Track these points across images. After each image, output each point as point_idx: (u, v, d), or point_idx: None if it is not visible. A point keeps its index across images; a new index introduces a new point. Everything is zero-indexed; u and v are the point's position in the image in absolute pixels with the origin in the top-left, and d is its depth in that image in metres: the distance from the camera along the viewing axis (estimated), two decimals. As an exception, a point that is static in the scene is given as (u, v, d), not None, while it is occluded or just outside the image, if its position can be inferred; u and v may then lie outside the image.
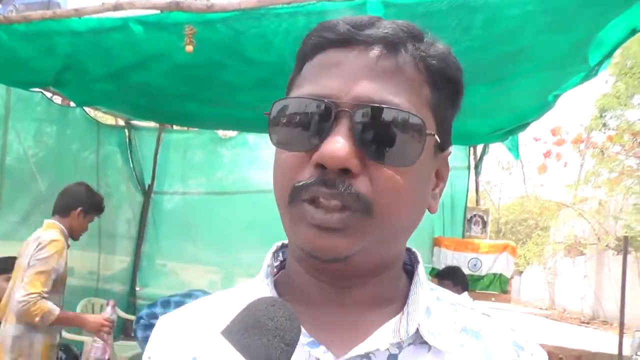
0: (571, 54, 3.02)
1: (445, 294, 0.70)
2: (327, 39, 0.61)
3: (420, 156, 0.58)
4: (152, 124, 5.97)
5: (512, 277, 5.54)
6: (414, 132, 0.57)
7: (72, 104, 4.90)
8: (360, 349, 0.58)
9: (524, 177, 18.04)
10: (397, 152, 0.57)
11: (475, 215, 5.40)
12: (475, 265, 5.01)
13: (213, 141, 5.97)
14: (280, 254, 0.73)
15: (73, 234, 3.13)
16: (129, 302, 5.79)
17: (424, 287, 0.65)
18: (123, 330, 5.53)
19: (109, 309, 3.21)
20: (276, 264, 0.72)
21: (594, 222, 12.37)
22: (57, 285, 2.94)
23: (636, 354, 5.27)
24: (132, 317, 5.46)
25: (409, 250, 0.70)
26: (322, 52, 0.61)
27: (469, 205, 5.50)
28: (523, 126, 4.42)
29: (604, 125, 11.81)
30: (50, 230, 2.97)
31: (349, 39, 0.60)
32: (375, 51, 0.59)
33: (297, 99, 0.60)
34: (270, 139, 0.61)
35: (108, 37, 2.92)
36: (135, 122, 5.89)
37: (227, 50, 2.83)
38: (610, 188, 10.90)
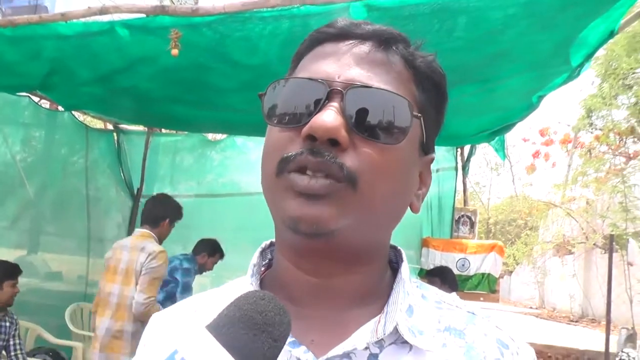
0: (553, 55, 3.07)
1: (431, 292, 0.70)
2: (325, 33, 0.65)
3: (406, 135, 0.60)
4: (140, 128, 5.96)
5: (500, 277, 5.58)
6: (401, 112, 0.60)
7: (60, 108, 4.89)
8: (339, 349, 0.59)
9: (513, 177, 18.15)
10: (385, 130, 0.59)
11: (463, 216, 5.44)
12: (463, 265, 5.05)
13: (202, 144, 5.96)
14: (269, 253, 0.73)
15: (160, 240, 3.65)
16: (119, 306, 5.77)
17: (406, 286, 0.65)
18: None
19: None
20: (264, 262, 0.72)
21: (582, 221, 12.47)
22: None
23: (622, 351, 5.33)
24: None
25: (394, 248, 0.71)
26: (319, 45, 0.65)
27: (456, 205, 5.55)
28: (509, 127, 4.47)
29: (591, 125, 11.93)
30: (152, 241, 3.52)
31: (345, 33, 0.64)
32: (369, 44, 0.63)
33: (292, 80, 0.63)
34: (264, 117, 0.63)
35: (95, 41, 2.93)
36: (123, 126, 5.87)
37: (212, 54, 2.85)
38: (598, 187, 10.99)
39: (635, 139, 10.82)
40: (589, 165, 11.03)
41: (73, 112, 5.12)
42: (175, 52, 2.51)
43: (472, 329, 0.64)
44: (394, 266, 0.71)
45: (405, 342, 0.61)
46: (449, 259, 5.01)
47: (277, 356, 0.46)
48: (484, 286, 5.10)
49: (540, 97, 3.78)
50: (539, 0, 2.38)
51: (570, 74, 3.34)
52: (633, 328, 6.00)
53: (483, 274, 5.07)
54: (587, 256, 13.32)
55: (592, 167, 10.84)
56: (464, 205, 5.82)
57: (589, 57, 3.18)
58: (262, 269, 0.72)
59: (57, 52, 3.14)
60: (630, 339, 5.50)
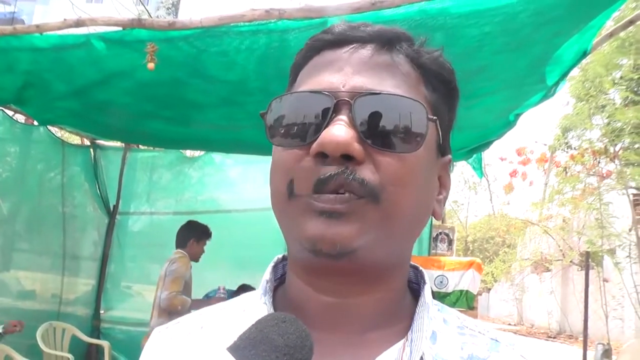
0: (529, 74, 3.12)
1: (453, 317, 0.66)
2: (322, 40, 0.62)
3: (423, 141, 0.57)
4: (118, 144, 5.89)
5: (479, 294, 5.60)
6: (416, 117, 0.57)
7: (35, 122, 4.81)
8: None
9: (491, 195, 18.36)
10: (400, 138, 0.56)
11: (441, 233, 5.46)
12: (441, 282, 5.05)
13: (179, 160, 5.90)
14: (280, 268, 0.69)
15: (193, 258, 4.26)
16: (93, 325, 5.63)
17: (430, 311, 0.62)
18: (87, 356, 5.37)
19: (220, 291, 4.44)
20: (276, 278, 0.68)
21: (559, 239, 12.64)
22: (187, 288, 4.12)
23: (599, 367, 5.37)
24: (96, 342, 5.32)
25: (415, 267, 0.68)
26: (317, 54, 0.62)
27: (434, 223, 5.56)
28: (486, 144, 4.52)
29: (567, 145, 12.16)
30: (178, 254, 4.18)
31: (344, 38, 0.61)
32: (371, 47, 0.60)
33: (294, 94, 0.59)
34: (268, 137, 0.60)
35: (70, 54, 2.90)
36: (100, 142, 5.80)
37: (189, 68, 2.82)
38: (575, 206, 11.17)
39: (609, 159, 11.03)
40: (565, 184, 11.21)
41: (49, 127, 5.05)
42: (151, 65, 2.48)
43: (496, 358, 0.61)
44: (414, 287, 0.67)
45: None
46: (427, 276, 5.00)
47: None
48: (462, 303, 5.09)
49: (517, 115, 3.84)
50: (514, 19, 2.41)
51: (546, 92, 3.40)
52: (609, 343, 6.06)
53: (461, 291, 5.07)
54: (564, 273, 13.48)
55: (567, 185, 11.02)
56: (442, 222, 5.84)
57: (563, 76, 3.24)
58: (275, 284, 0.68)
59: (32, 64, 3.09)
60: (606, 354, 5.55)
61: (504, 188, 15.29)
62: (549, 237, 13.22)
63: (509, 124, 3.94)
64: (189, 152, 6.29)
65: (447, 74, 0.63)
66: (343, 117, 0.55)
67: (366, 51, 0.59)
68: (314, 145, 0.54)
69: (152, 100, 3.43)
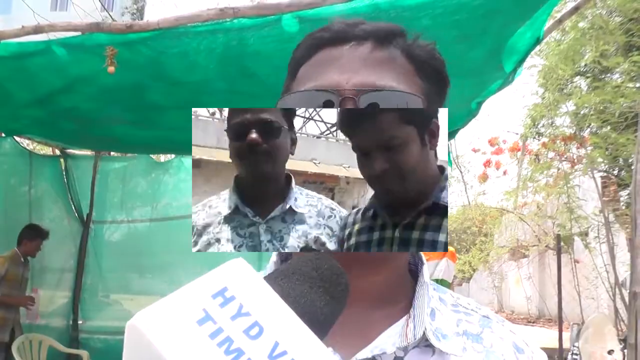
0: (486, 62, 3.19)
1: (448, 295, 0.69)
2: (322, 38, 0.64)
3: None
4: (89, 152, 5.84)
5: (459, 284, 5.69)
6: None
7: (3, 134, 4.77)
8: (367, 352, 0.58)
9: (465, 186, 18.55)
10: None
11: (414, 223, 5.53)
12: (416, 271, 5.12)
13: (151, 166, 5.88)
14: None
15: (28, 254, 4.85)
16: (72, 336, 5.58)
17: (429, 289, 0.65)
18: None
19: (33, 294, 5.09)
20: (282, 259, 0.71)
21: (534, 225, 12.82)
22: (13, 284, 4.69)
23: (573, 346, 5.51)
24: (74, 351, 5.28)
25: None
26: (318, 52, 0.64)
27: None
28: (451, 134, 4.60)
29: (538, 133, 12.32)
30: (9, 253, 4.71)
31: (342, 35, 0.63)
32: (368, 44, 0.62)
33: (300, 93, 0.62)
34: None
35: (31, 62, 2.89)
36: (71, 151, 5.75)
37: (150, 71, 2.83)
38: (548, 192, 11.34)
39: (579, 144, 11.24)
40: (537, 171, 11.37)
41: (17, 138, 5.01)
42: (111, 69, 2.49)
43: (488, 333, 0.65)
44: (412, 268, 0.71)
45: (428, 345, 0.60)
46: (402, 267, 5.06)
47: (335, 317, 0.44)
48: (438, 292, 5.17)
49: (479, 103, 3.91)
50: (463, 9, 2.48)
51: (504, 80, 3.48)
52: (583, 323, 6.21)
53: (436, 280, 5.16)
54: (540, 258, 13.68)
55: (539, 172, 11.18)
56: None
57: (520, 62, 3.33)
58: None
59: (-9, 74, 3.07)
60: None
61: (478, 178, 15.45)
62: (525, 223, 13.40)
63: (472, 112, 4.01)
64: (157, 157, 6.26)
65: (437, 64, 0.67)
66: None
67: (365, 48, 0.62)
68: None
69: (116, 104, 3.42)
